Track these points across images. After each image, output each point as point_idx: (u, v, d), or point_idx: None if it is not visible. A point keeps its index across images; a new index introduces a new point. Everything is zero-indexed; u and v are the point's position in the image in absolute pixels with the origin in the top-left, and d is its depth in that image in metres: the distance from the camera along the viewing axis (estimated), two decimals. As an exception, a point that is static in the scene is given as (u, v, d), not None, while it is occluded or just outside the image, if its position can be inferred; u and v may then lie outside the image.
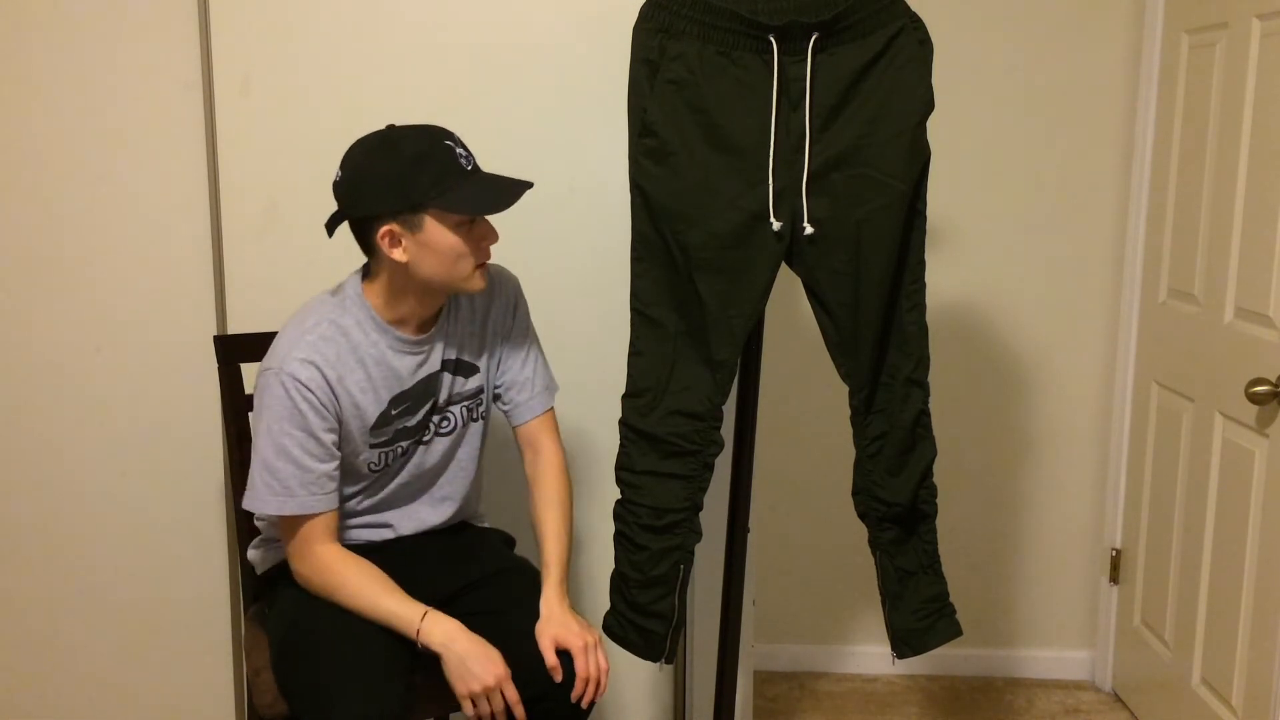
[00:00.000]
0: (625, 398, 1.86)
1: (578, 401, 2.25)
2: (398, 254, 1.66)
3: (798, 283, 1.82)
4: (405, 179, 1.62)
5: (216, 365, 2.00)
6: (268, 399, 1.68)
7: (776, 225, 1.71)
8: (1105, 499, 2.84)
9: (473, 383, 1.86)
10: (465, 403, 1.85)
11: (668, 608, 1.87)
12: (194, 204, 2.20)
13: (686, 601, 1.90)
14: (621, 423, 1.87)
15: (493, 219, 1.94)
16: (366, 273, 1.76)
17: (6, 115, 2.17)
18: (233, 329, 2.22)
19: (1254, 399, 2.08)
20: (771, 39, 1.67)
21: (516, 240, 2.22)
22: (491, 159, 2.15)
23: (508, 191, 1.66)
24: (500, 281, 1.88)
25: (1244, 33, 2.20)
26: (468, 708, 1.65)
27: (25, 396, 2.25)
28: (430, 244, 1.65)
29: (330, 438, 1.70)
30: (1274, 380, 2.08)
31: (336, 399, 1.70)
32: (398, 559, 1.81)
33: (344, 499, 1.81)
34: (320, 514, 1.71)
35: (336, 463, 1.72)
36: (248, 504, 1.72)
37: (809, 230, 1.71)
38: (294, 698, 1.68)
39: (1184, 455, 2.46)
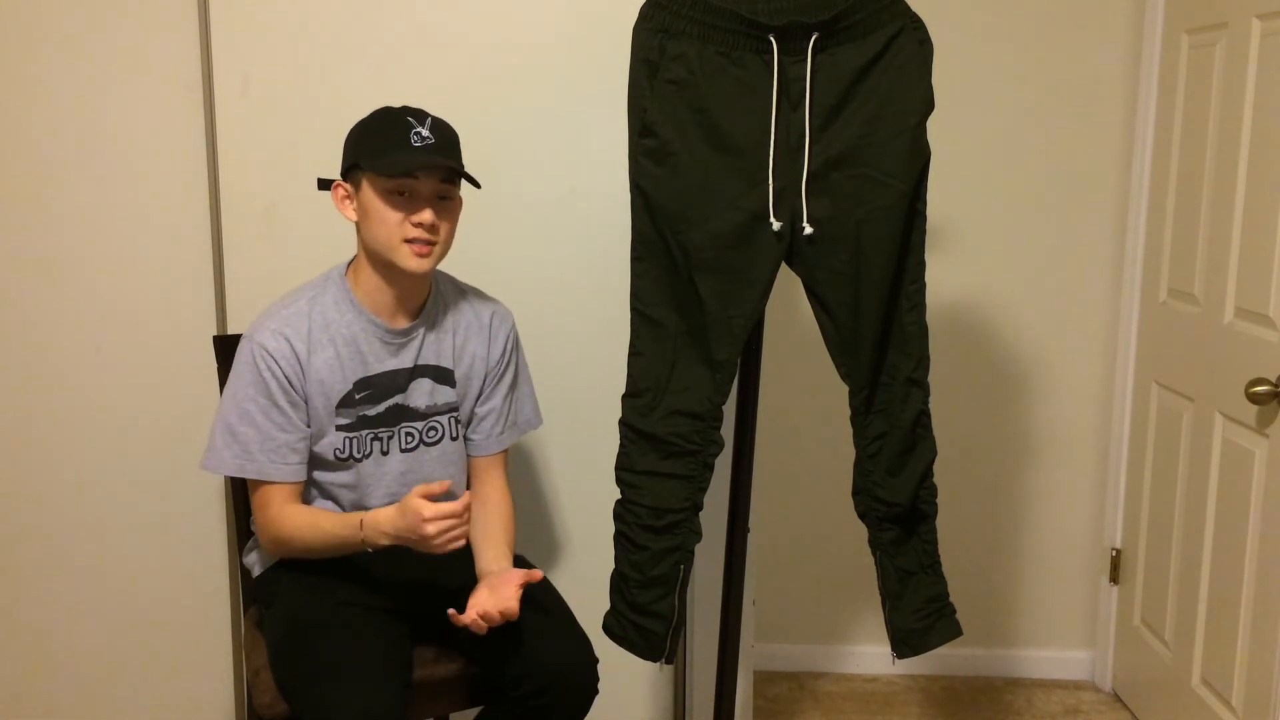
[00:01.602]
0: (625, 398, 1.86)
1: (578, 401, 2.25)
2: (349, 211, 1.77)
3: (798, 283, 1.82)
4: (354, 141, 1.75)
5: (216, 365, 2.01)
6: (237, 365, 1.76)
7: (776, 225, 1.71)
8: (1105, 499, 2.84)
9: (455, 394, 1.88)
10: (450, 414, 1.87)
11: (668, 608, 1.87)
12: (194, 204, 2.20)
13: (686, 601, 1.89)
14: (621, 423, 1.87)
15: (487, 219, 1.94)
16: (354, 259, 1.83)
17: (7, 115, 2.17)
18: (233, 329, 2.22)
19: (1254, 399, 2.08)
20: (771, 39, 1.67)
21: (517, 240, 2.22)
22: (492, 159, 2.16)
23: (419, 161, 1.69)
24: (497, 316, 1.92)
25: (1244, 33, 2.20)
26: (440, 549, 1.66)
27: (25, 396, 2.25)
28: (365, 206, 1.73)
29: (293, 411, 1.75)
30: (1274, 380, 2.08)
31: (303, 373, 1.75)
32: (392, 560, 1.82)
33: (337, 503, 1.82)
34: (280, 483, 1.75)
35: (301, 435, 1.76)
36: (208, 464, 1.76)
37: (808, 230, 1.71)
38: (292, 697, 1.68)
39: (1184, 455, 2.46)
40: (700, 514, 1.86)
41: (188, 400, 2.25)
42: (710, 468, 1.84)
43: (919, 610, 1.90)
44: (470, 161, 2.18)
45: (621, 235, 1.88)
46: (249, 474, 1.75)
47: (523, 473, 2.30)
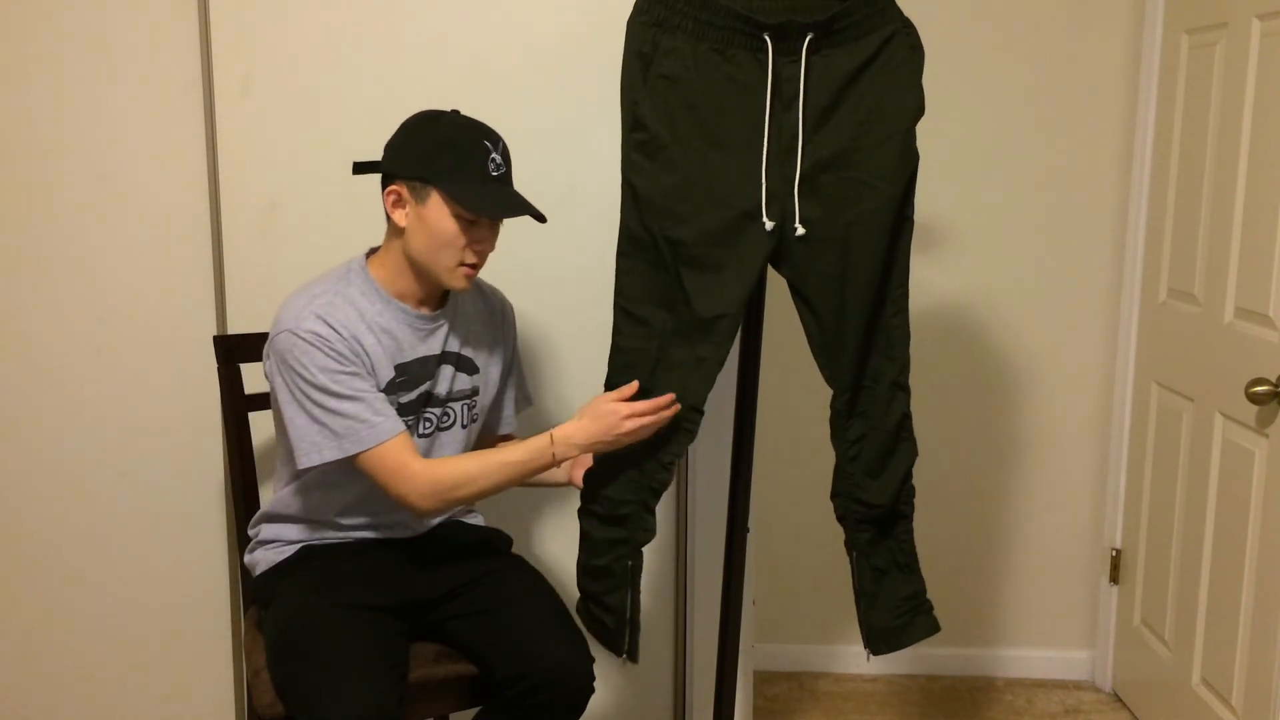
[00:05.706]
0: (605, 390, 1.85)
1: (576, 400, 2.25)
2: (398, 216, 1.72)
3: (798, 282, 1.82)
4: (428, 151, 1.70)
5: (216, 365, 2.01)
6: (294, 358, 1.67)
7: (769, 225, 1.71)
8: (1105, 499, 2.84)
9: (474, 381, 1.88)
10: (465, 400, 1.87)
11: (618, 602, 1.85)
12: (194, 204, 2.21)
13: (640, 601, 1.87)
14: None
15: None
16: (372, 252, 1.82)
17: (7, 115, 2.18)
18: (233, 329, 2.23)
19: (1254, 399, 2.08)
20: (766, 38, 1.67)
21: (517, 240, 2.22)
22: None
23: (511, 206, 1.71)
24: (505, 306, 1.97)
25: (1244, 33, 2.19)
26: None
27: (25, 396, 2.26)
28: (427, 220, 1.70)
29: (367, 379, 1.71)
30: (1274, 380, 2.08)
31: (362, 350, 1.72)
32: (392, 557, 1.83)
33: (342, 499, 1.81)
34: (398, 436, 1.70)
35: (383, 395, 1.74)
36: (308, 461, 1.68)
37: (800, 231, 1.71)
38: (289, 697, 1.69)
39: (1184, 455, 2.46)
40: (657, 513, 1.83)
41: (188, 400, 2.25)
42: (669, 469, 1.81)
43: (896, 608, 1.90)
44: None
45: (621, 234, 1.88)
46: (367, 444, 1.67)
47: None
